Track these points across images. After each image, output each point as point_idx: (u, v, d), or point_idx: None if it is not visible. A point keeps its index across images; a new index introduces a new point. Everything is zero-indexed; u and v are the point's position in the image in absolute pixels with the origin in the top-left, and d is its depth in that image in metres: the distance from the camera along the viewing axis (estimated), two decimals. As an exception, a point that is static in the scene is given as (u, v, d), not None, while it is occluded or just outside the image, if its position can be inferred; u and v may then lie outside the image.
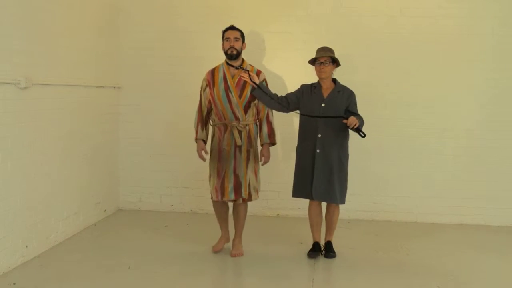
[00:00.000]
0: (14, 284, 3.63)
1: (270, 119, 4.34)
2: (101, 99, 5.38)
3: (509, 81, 5.40)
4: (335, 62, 4.23)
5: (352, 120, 3.98)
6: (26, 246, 4.09)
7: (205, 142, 4.43)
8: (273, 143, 4.36)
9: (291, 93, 4.34)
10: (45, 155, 4.33)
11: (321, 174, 4.16)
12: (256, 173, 4.32)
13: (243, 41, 4.32)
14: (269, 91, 4.27)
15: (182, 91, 5.68)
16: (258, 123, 4.37)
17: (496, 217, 5.47)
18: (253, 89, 4.22)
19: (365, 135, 4.07)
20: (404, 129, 5.51)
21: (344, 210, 5.54)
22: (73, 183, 4.81)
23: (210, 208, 5.71)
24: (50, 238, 4.44)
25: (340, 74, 5.35)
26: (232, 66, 4.26)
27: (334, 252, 4.31)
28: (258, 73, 4.34)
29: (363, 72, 5.49)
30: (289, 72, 5.40)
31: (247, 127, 4.28)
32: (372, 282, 3.84)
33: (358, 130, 4.05)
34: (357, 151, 5.50)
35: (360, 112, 4.24)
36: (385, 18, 5.45)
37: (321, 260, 4.29)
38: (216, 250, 4.43)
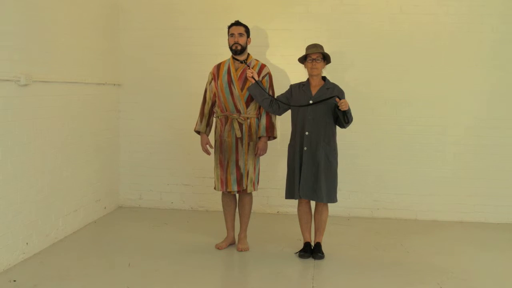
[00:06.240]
0: (14, 281, 3.63)
1: (269, 112, 4.35)
2: (101, 96, 5.38)
3: (509, 78, 5.40)
4: (325, 59, 4.22)
5: (345, 102, 3.99)
6: (27, 243, 4.09)
7: (207, 134, 4.49)
8: (271, 136, 4.38)
9: (281, 95, 4.34)
10: (45, 152, 4.34)
11: (308, 172, 4.15)
12: (254, 166, 4.35)
13: (248, 36, 4.37)
14: (265, 91, 4.26)
15: (182, 89, 5.69)
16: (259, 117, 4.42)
17: (496, 214, 5.47)
18: (250, 85, 4.25)
19: (347, 123, 4.08)
20: (404, 126, 5.51)
21: (344, 208, 5.58)
22: (73, 180, 4.82)
23: (210, 205, 5.76)
24: (50, 235, 4.44)
25: (340, 72, 5.39)
26: (238, 60, 4.34)
27: (322, 253, 4.26)
28: (262, 67, 4.38)
29: (363, 69, 5.49)
30: (289, 70, 5.41)
31: (248, 120, 4.33)
32: (372, 279, 3.84)
33: (345, 115, 4.04)
34: (357, 148, 5.54)
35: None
36: (385, 15, 5.44)
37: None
38: (219, 248, 4.46)
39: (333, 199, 4.23)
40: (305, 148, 4.16)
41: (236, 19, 4.41)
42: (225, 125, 4.35)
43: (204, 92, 4.50)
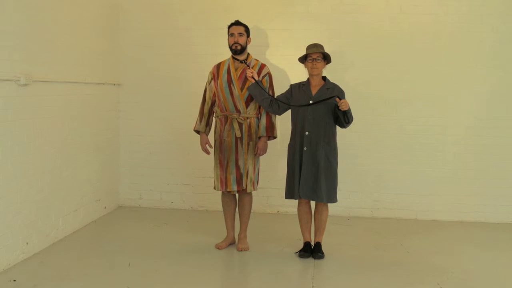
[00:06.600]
0: (14, 281, 3.64)
1: (269, 112, 4.35)
2: (101, 96, 5.38)
3: (509, 78, 5.40)
4: (326, 59, 4.22)
5: (345, 102, 3.98)
6: (26, 243, 4.09)
7: (206, 134, 4.49)
8: (271, 136, 4.38)
9: (281, 94, 4.34)
10: (45, 152, 4.34)
11: (308, 172, 4.15)
12: (254, 166, 4.35)
13: (248, 36, 4.37)
14: (265, 91, 4.26)
15: (182, 88, 5.69)
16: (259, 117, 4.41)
17: (496, 214, 5.47)
18: (249, 85, 4.25)
19: (347, 123, 4.07)
20: (404, 126, 5.51)
21: (344, 207, 5.58)
22: (73, 180, 4.82)
23: (210, 205, 5.76)
24: (50, 235, 4.44)
25: (340, 72, 5.39)
26: (237, 60, 4.34)
27: (322, 253, 4.26)
28: (262, 67, 4.38)
29: (363, 69, 5.49)
30: (289, 70, 5.41)
31: (248, 120, 4.33)
32: (372, 279, 3.84)
33: (346, 115, 4.04)
34: (357, 148, 5.54)
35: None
36: (385, 15, 5.44)
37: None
38: (219, 248, 4.46)
39: (333, 199, 4.23)
40: (305, 148, 4.16)
41: (236, 19, 4.41)
42: (224, 125, 4.36)
43: (203, 92, 4.50)
